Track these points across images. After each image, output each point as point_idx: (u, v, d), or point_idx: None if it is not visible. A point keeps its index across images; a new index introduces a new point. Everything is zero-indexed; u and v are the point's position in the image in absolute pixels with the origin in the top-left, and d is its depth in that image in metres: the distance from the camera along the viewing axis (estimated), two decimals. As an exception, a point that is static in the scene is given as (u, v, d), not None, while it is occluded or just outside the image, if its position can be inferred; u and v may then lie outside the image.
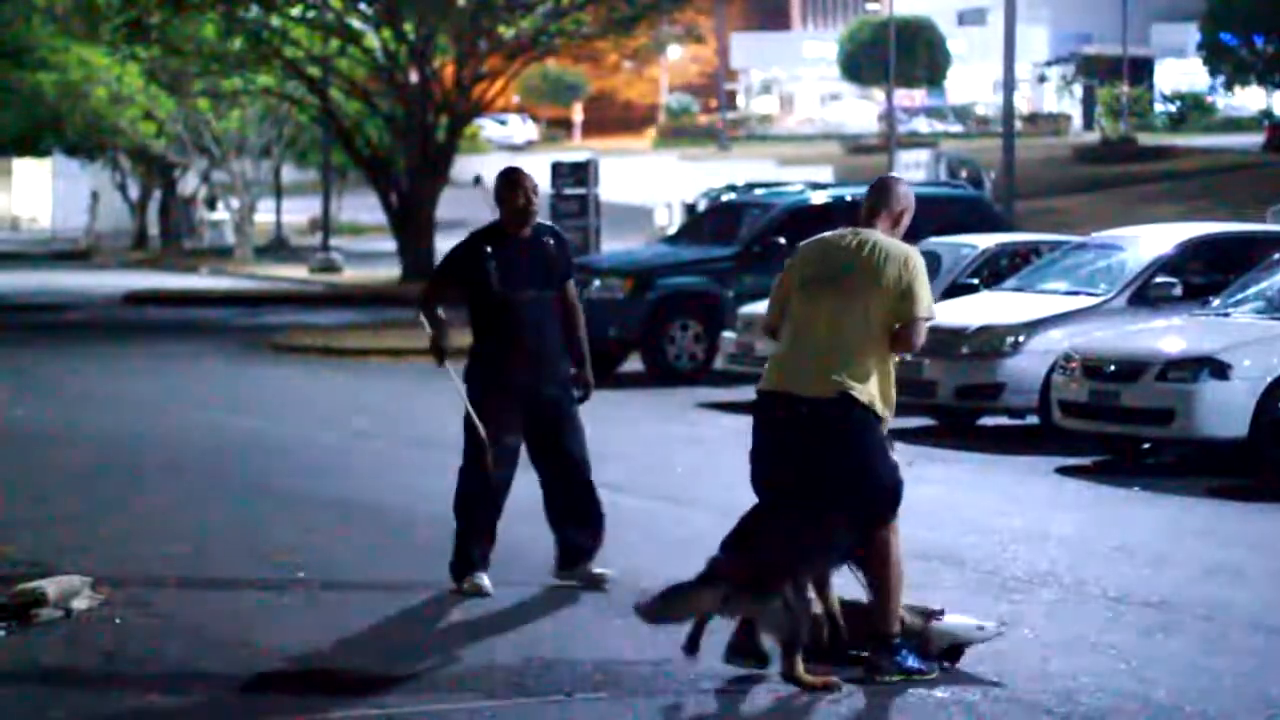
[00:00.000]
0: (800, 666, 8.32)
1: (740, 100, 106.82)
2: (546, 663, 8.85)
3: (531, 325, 10.49)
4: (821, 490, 8.45)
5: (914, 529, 11.76)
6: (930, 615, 8.77)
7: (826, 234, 8.92)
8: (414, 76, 43.94)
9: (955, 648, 8.76)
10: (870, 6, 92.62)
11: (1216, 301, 16.45)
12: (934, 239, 21.26)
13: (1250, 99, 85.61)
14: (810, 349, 8.59)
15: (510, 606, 10.16)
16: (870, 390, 8.51)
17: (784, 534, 8.41)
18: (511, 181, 10.52)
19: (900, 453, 8.85)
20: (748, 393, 21.10)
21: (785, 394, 8.60)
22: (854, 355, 8.50)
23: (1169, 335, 15.85)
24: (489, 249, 10.49)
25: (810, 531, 8.43)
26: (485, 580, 10.41)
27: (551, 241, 10.57)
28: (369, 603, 10.30)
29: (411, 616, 10.01)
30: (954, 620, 8.85)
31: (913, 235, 24.43)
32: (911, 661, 8.47)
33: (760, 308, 20.74)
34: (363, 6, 44.80)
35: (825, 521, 8.45)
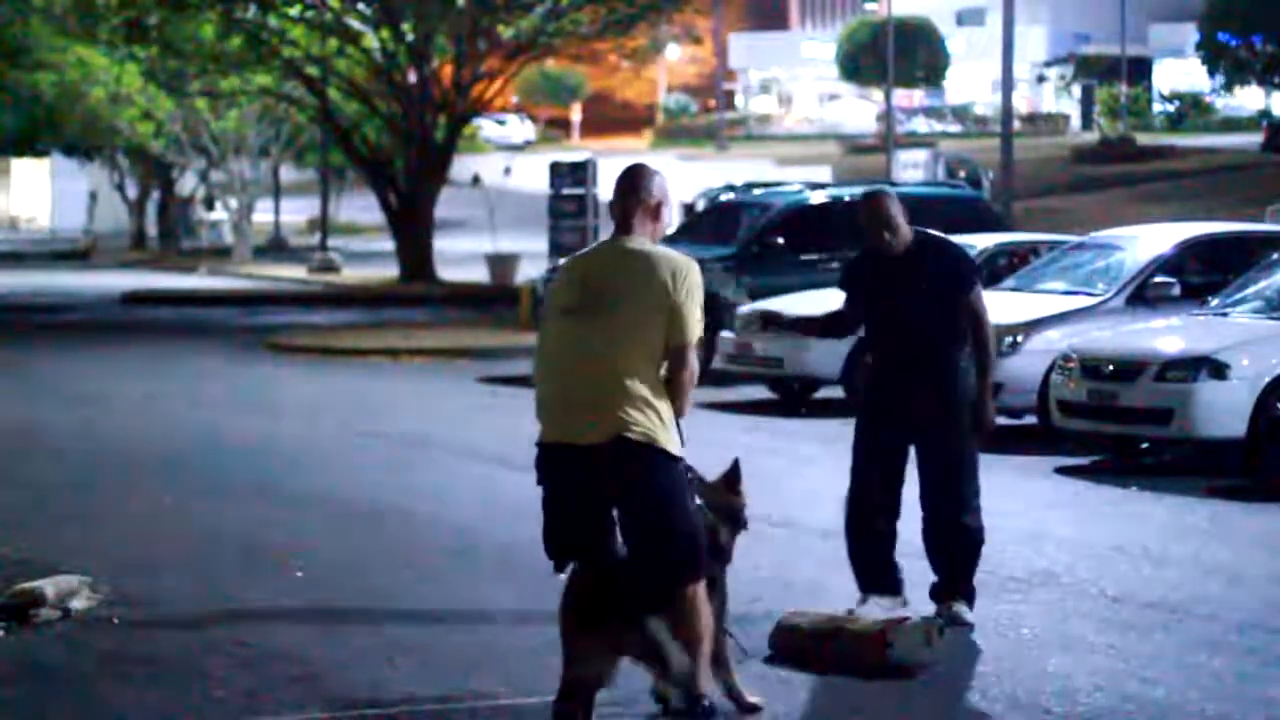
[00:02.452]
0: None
1: (738, 100, 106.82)
2: (539, 665, 8.85)
3: (909, 344, 9.76)
4: (630, 549, 7.55)
5: (911, 529, 11.72)
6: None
7: (589, 249, 7.94)
8: (412, 76, 43.95)
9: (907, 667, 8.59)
10: (868, 6, 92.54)
11: (1215, 301, 16.44)
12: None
13: (1248, 99, 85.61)
14: (583, 388, 7.46)
15: (514, 611, 10.16)
16: (657, 427, 7.46)
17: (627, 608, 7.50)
18: (863, 206, 9.74)
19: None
20: (747, 393, 21.15)
21: (563, 445, 7.51)
22: (635, 389, 7.42)
23: (1167, 335, 15.84)
24: (863, 271, 9.94)
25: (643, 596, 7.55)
26: (876, 604, 9.80)
27: (931, 254, 9.75)
28: (367, 603, 10.31)
29: (409, 617, 10.00)
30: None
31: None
32: None
33: (761, 305, 20.78)
34: (361, 6, 44.80)
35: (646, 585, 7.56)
